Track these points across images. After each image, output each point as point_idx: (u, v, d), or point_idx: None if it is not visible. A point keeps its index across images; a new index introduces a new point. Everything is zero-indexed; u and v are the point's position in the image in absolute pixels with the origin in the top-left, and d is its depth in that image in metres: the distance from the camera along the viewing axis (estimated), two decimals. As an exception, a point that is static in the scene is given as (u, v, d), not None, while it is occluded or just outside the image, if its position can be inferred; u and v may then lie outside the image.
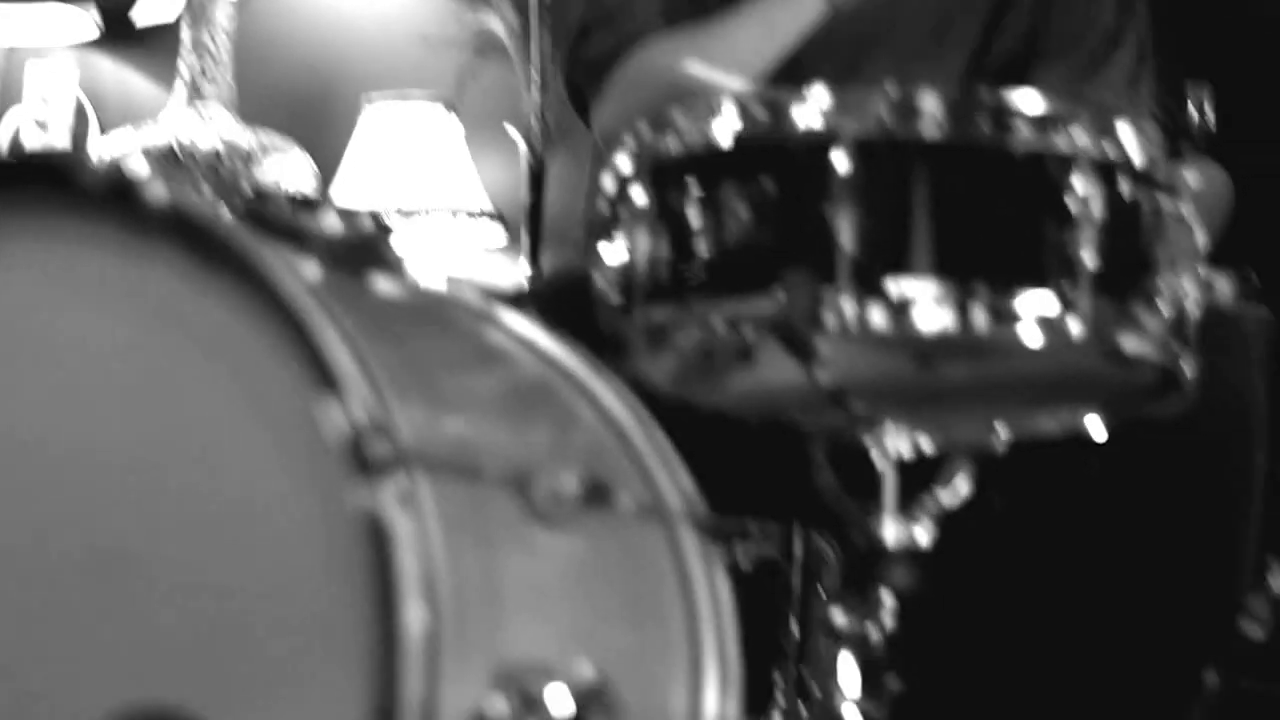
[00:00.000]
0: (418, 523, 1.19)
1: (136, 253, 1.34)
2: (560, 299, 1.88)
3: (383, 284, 1.52)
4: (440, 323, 1.54)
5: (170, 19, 4.74)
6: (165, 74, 4.69)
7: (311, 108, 4.89)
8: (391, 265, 1.55)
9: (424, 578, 1.19)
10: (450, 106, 4.56)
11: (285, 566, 1.26)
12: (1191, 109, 2.32)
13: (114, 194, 1.36)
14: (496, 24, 4.71)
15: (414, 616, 1.18)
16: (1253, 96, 2.80)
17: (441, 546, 1.21)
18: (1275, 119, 3.09)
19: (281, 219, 1.47)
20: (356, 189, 4.47)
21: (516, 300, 2.07)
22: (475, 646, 1.24)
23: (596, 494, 1.36)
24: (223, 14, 4.46)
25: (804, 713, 2.04)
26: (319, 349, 1.21)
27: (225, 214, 1.39)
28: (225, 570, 1.29)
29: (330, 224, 1.50)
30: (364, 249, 1.54)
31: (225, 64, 4.47)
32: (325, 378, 1.20)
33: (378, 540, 1.18)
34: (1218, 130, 2.37)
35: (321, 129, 4.74)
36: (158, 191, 1.34)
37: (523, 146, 4.60)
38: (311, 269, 1.41)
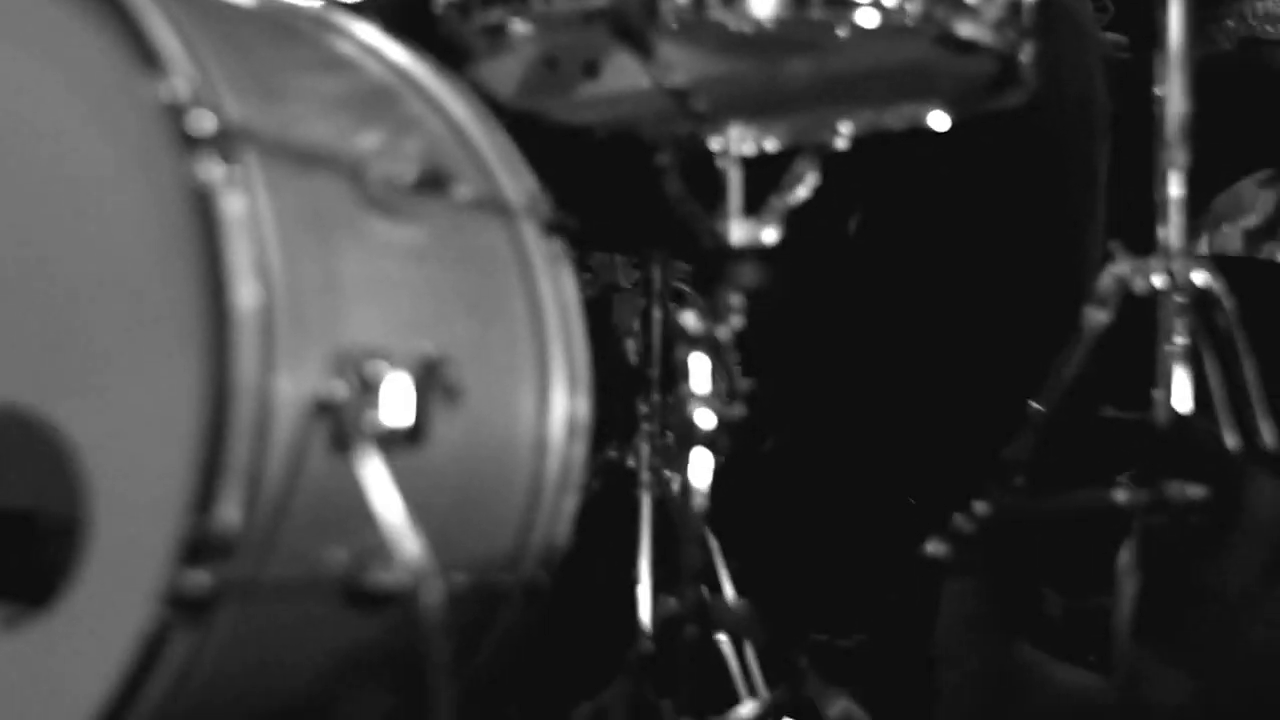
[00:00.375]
0: (248, 200, 1.18)
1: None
2: (403, 7, 1.86)
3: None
4: (284, 30, 1.52)
5: None
6: None
7: None
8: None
9: (255, 257, 1.17)
10: None
11: (116, 252, 1.24)
12: None
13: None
14: None
15: (245, 295, 1.16)
16: None
17: (274, 229, 1.20)
18: None
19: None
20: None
21: (359, 9, 2.03)
22: (312, 333, 1.23)
23: (433, 182, 1.35)
24: None
25: (669, 435, 2.05)
26: (141, 28, 1.19)
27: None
28: (55, 259, 1.27)
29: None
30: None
31: None
32: (147, 55, 1.18)
33: (206, 218, 1.16)
34: None
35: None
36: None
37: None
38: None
